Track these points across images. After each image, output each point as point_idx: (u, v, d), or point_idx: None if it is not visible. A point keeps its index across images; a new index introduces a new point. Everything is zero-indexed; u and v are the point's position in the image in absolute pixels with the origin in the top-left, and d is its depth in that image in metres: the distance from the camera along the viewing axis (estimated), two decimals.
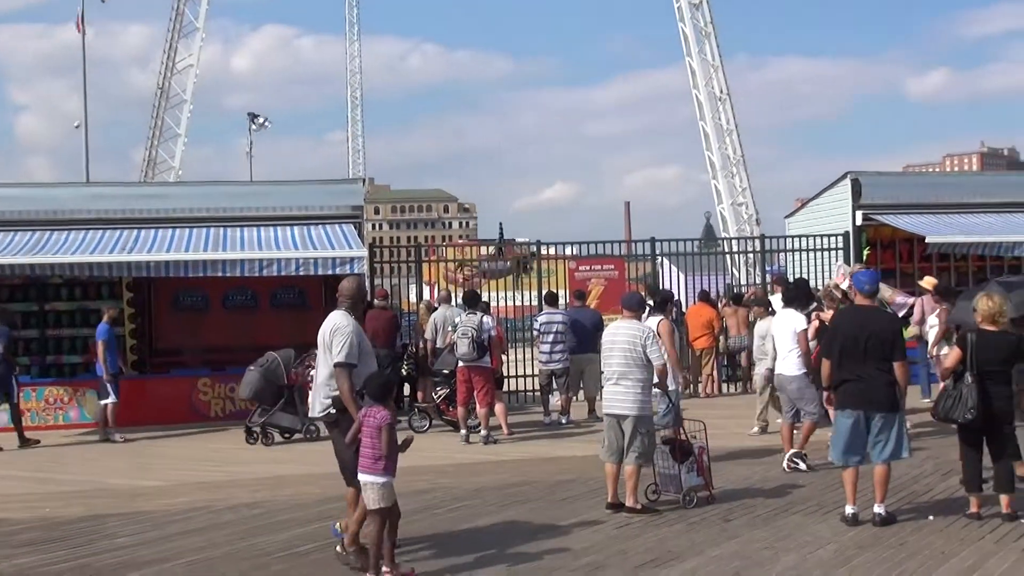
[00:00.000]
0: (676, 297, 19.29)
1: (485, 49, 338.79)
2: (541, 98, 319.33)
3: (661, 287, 19.97)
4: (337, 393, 7.85)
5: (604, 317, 16.34)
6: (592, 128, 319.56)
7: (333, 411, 7.96)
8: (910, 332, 16.39)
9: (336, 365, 7.83)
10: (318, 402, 8.16)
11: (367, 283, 17.72)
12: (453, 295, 17.53)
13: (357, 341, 7.94)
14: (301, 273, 16.42)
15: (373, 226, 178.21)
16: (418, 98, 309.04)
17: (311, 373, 15.23)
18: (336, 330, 7.97)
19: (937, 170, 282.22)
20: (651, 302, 12.04)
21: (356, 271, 16.39)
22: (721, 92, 46.15)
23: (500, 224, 18.66)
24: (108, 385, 15.73)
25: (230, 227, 17.61)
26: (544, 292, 17.92)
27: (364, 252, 16.86)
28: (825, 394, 9.64)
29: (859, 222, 19.77)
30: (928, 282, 16.34)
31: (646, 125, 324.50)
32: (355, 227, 17.90)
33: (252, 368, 15.10)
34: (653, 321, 11.12)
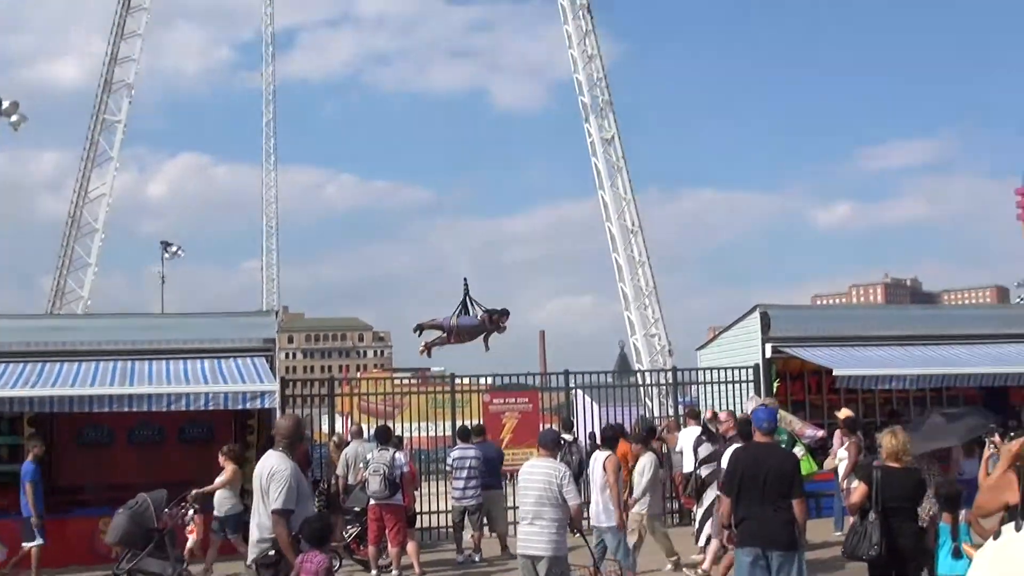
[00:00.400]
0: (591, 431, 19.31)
1: (403, 179, 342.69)
2: (459, 227, 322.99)
3: (576, 420, 20.01)
4: (274, 536, 7.64)
5: (518, 451, 16.34)
6: (509, 257, 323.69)
7: (272, 552, 7.71)
8: (826, 464, 16.60)
9: (274, 512, 7.64)
10: (254, 547, 7.88)
11: (278, 416, 17.48)
12: (365, 429, 17.31)
13: (295, 484, 7.77)
14: (210, 408, 16.13)
15: (287, 355, 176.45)
16: (335, 226, 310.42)
17: (187, 516, 14.90)
18: (274, 474, 7.78)
19: (844, 300, 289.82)
20: (568, 437, 12.10)
21: (267, 405, 16.20)
22: (633, 224, 47.03)
23: (465, 279, 17.79)
24: (35, 528, 15.00)
25: (138, 360, 17.32)
26: (458, 427, 17.82)
27: (275, 386, 16.64)
28: (726, 532, 9.65)
29: (768, 354, 20.08)
30: (844, 413, 16.65)
31: (562, 254, 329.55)
32: (267, 360, 17.72)
33: (121, 511, 14.32)
34: (602, 456, 11.19)
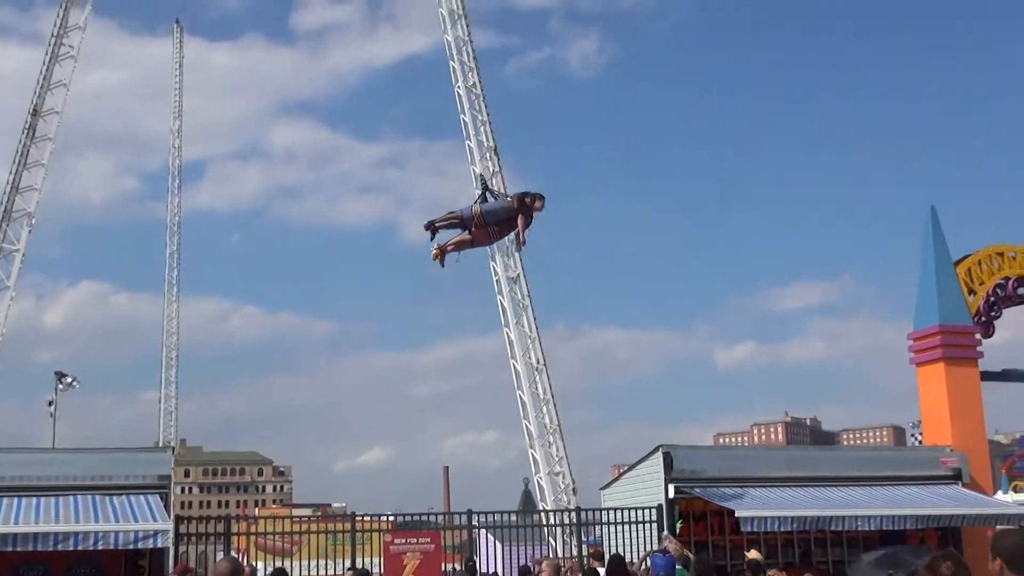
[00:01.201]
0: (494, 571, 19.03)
1: (308, 312, 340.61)
2: (363, 361, 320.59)
3: (479, 560, 19.72)
4: None
5: None
6: (414, 391, 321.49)
7: None
8: None
9: None
10: None
11: (171, 556, 16.96)
12: (260, 569, 16.82)
13: None
14: (100, 547, 15.57)
15: (183, 489, 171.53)
16: (237, 358, 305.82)
17: None
18: None
19: (746, 438, 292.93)
20: None
21: (160, 545, 15.70)
22: (538, 362, 47.28)
23: (481, 177, 16.11)
24: None
25: (26, 496, 16.69)
26: (354, 571, 17.39)
27: (169, 525, 16.15)
28: None
29: (672, 495, 20.08)
30: (752, 555, 16.67)
31: (467, 390, 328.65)
32: (162, 497, 17.22)
33: None
34: None
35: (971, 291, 22.56)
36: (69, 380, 56.49)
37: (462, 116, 48.67)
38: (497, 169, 48.44)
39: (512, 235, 14.62)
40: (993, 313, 22.87)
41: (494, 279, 47.94)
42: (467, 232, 13.99)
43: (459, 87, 48.91)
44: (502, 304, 47.77)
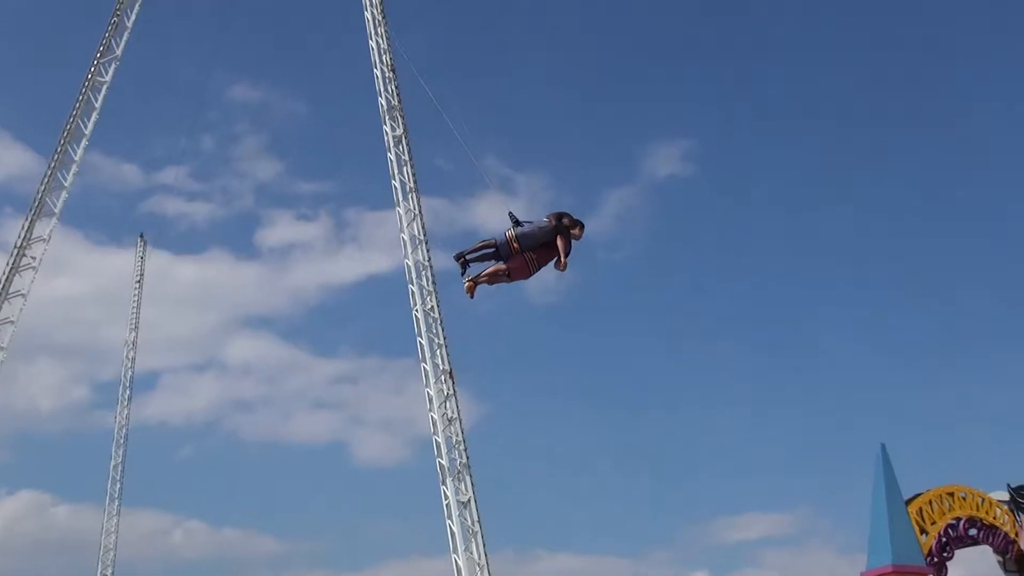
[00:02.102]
0: None
1: (253, 528, 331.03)
2: None
3: None
4: None
5: None
6: None
7: None
8: None
9: None
10: None
11: None
12: None
13: None
14: None
15: None
16: (179, 574, 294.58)
17: None
18: None
19: None
20: None
21: None
22: None
23: (511, 212, 14.06)
24: None
25: None
26: None
27: None
28: None
29: None
30: None
31: None
32: None
33: None
34: None
35: (923, 531, 22.56)
36: None
37: (419, 339, 48.96)
38: (452, 392, 48.43)
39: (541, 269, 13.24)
40: (945, 554, 22.83)
41: (444, 503, 47.15)
42: (502, 262, 12.78)
43: (417, 310, 49.42)
44: (451, 529, 46.82)
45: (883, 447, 22.91)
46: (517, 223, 12.78)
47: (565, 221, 12.63)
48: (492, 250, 12.80)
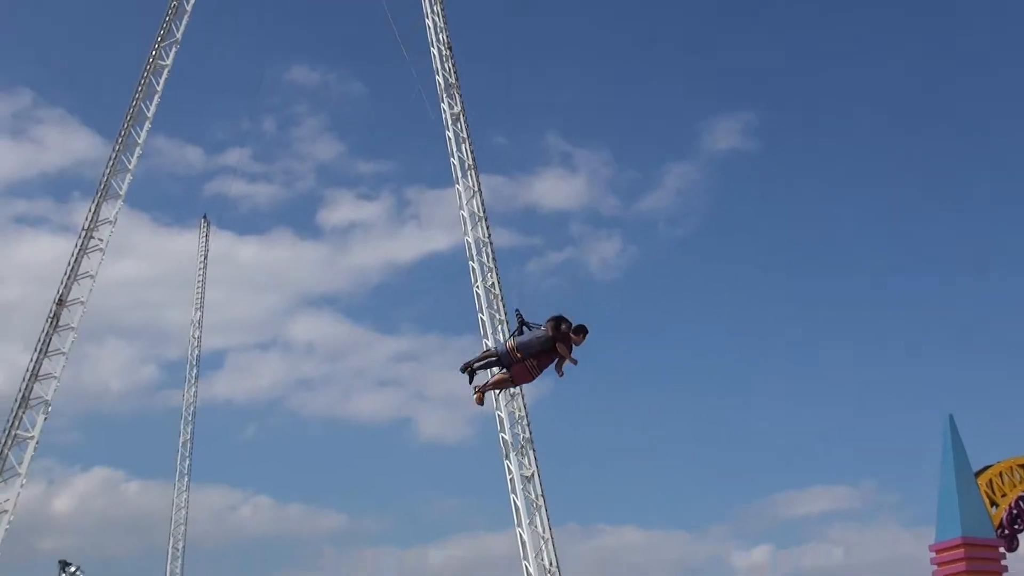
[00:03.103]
0: None
1: (317, 504, 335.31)
2: (373, 555, 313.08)
3: None
4: None
5: None
6: None
7: None
8: None
9: None
10: None
11: None
12: None
13: None
14: None
15: None
16: (245, 550, 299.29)
17: None
18: None
19: None
20: None
21: None
22: (551, 565, 46.21)
23: (517, 310, 14.89)
24: None
25: None
26: None
27: None
28: None
29: None
30: None
31: None
32: None
33: None
34: None
35: (993, 503, 22.24)
36: (73, 569, 55.46)
37: (480, 315, 49.18)
38: None
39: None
40: (1016, 526, 22.50)
41: (508, 477, 47.37)
42: (505, 370, 13.24)
43: (478, 286, 49.60)
44: (515, 503, 47.06)
45: (951, 418, 22.62)
46: (522, 324, 13.27)
47: (563, 328, 12.90)
48: (495, 359, 13.28)
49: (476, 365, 13.45)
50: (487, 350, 13.59)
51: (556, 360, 13.17)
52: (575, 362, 13.08)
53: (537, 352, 13.04)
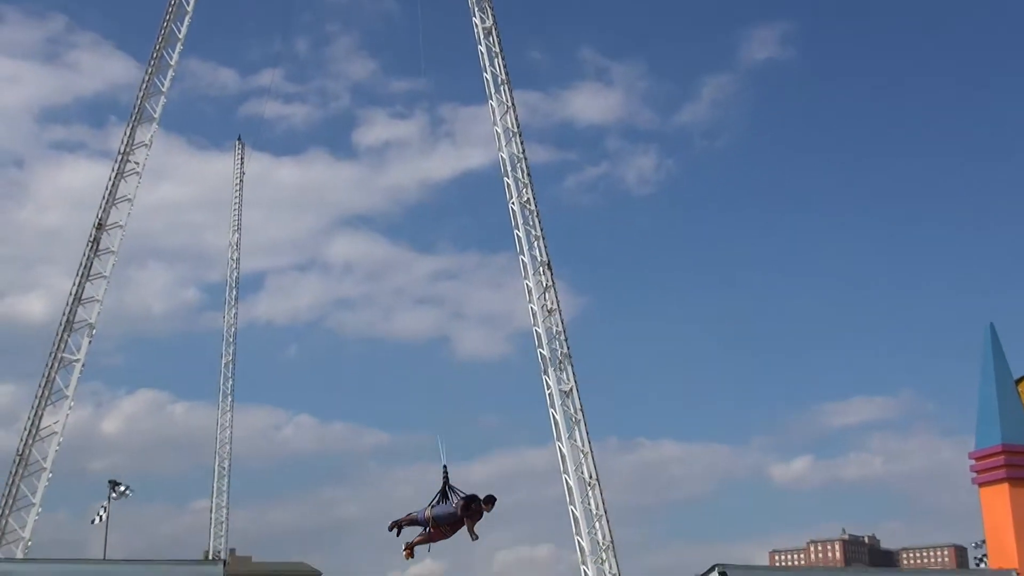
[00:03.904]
0: None
1: (359, 422, 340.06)
2: (415, 471, 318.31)
3: None
4: None
5: None
6: None
7: None
8: None
9: None
10: None
11: None
12: None
13: None
14: None
15: None
16: (289, 468, 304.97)
17: None
18: None
19: (802, 556, 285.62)
20: None
21: None
22: (591, 478, 46.74)
23: (444, 467, 16.21)
24: None
25: None
26: None
27: None
28: None
29: None
30: None
31: (519, 502, 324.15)
32: None
33: None
34: None
35: None
36: (122, 488, 56.81)
37: (516, 231, 49.19)
38: (550, 284, 48.69)
39: None
40: None
41: (546, 392, 47.75)
42: (427, 531, 15.30)
43: (513, 203, 49.52)
44: (554, 418, 47.48)
45: (991, 326, 22.44)
46: (444, 492, 15.23)
47: (472, 506, 14.91)
48: (416, 522, 15.41)
49: (403, 523, 15.49)
50: (410, 514, 15.40)
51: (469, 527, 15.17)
52: (475, 537, 15.13)
53: (449, 523, 15.20)
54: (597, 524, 46.33)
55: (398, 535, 15.53)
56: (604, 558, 46.00)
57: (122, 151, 49.57)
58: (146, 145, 50.09)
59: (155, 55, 50.34)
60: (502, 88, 50.89)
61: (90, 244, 48.69)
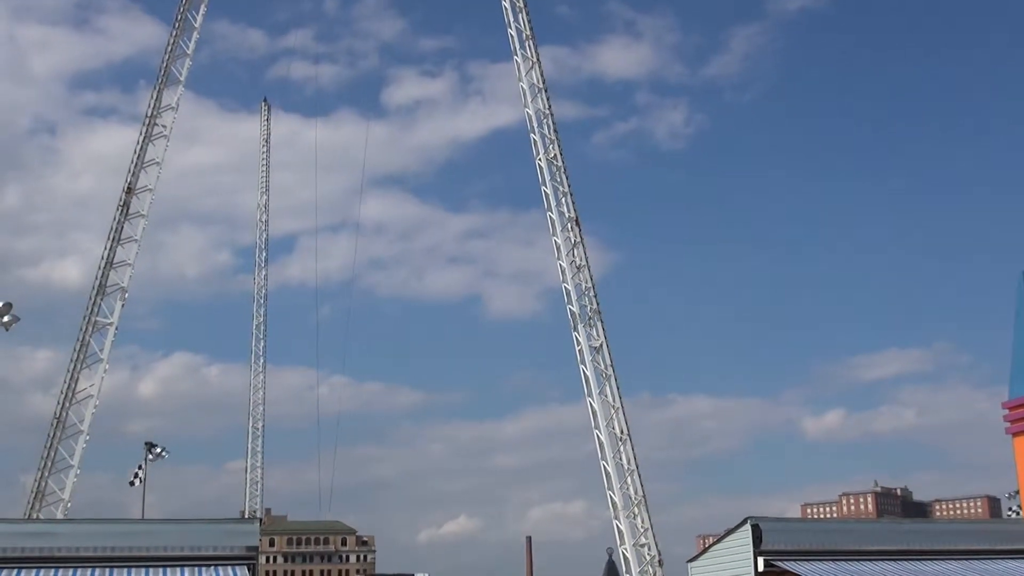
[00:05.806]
0: None
1: (393, 382, 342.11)
2: (448, 430, 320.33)
3: None
4: None
5: None
6: (498, 460, 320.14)
7: None
8: None
9: None
10: None
11: None
12: None
13: None
14: None
15: (267, 559, 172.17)
16: (323, 428, 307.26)
17: None
18: None
19: (834, 509, 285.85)
20: None
21: None
22: (622, 433, 46.87)
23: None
24: None
25: (117, 568, 16.94)
26: None
27: None
28: None
29: (761, 568, 19.72)
30: None
31: (552, 459, 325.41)
32: (249, 569, 17.36)
33: None
34: None
35: None
36: (159, 450, 57.38)
37: (543, 188, 49.07)
38: (579, 240, 48.61)
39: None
40: None
41: (576, 349, 47.81)
42: None
43: (540, 159, 49.36)
44: (585, 374, 47.59)
45: None
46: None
47: None
48: None
49: None
50: None
51: None
52: None
53: None
54: (629, 479, 46.51)
55: None
56: (636, 512, 46.21)
57: (149, 114, 49.68)
58: (173, 108, 50.17)
59: (179, 17, 50.28)
60: (527, 44, 50.55)
61: (120, 208, 48.96)
